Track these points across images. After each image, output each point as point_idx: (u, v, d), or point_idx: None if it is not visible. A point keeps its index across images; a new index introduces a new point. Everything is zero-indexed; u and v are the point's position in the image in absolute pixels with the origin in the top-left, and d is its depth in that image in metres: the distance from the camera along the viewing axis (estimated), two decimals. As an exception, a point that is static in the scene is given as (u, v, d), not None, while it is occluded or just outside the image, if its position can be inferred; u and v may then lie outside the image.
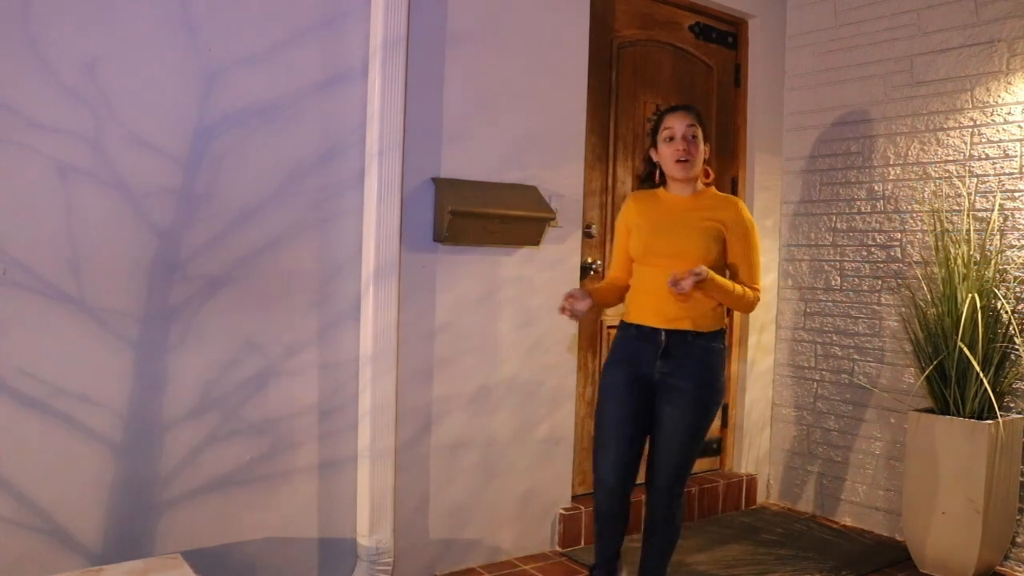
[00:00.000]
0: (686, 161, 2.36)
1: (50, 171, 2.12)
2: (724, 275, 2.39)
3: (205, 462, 2.38)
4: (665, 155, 2.39)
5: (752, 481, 3.85)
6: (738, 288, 2.34)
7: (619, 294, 2.52)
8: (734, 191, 3.87)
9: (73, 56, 2.14)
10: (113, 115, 2.20)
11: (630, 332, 2.42)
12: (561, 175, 3.12)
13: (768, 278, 3.89)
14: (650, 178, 2.51)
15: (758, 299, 2.41)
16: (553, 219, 2.98)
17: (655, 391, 2.36)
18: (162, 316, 2.30)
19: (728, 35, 3.82)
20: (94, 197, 2.18)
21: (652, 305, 2.36)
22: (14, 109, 2.06)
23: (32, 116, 2.08)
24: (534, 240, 2.99)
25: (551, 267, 3.11)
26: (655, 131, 2.44)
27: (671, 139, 2.37)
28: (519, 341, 3.04)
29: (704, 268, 2.22)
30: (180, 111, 2.31)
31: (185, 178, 2.32)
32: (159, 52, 2.27)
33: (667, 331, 2.34)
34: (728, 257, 2.40)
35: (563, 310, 2.28)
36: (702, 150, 2.39)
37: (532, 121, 3.04)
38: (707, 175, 2.46)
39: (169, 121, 2.29)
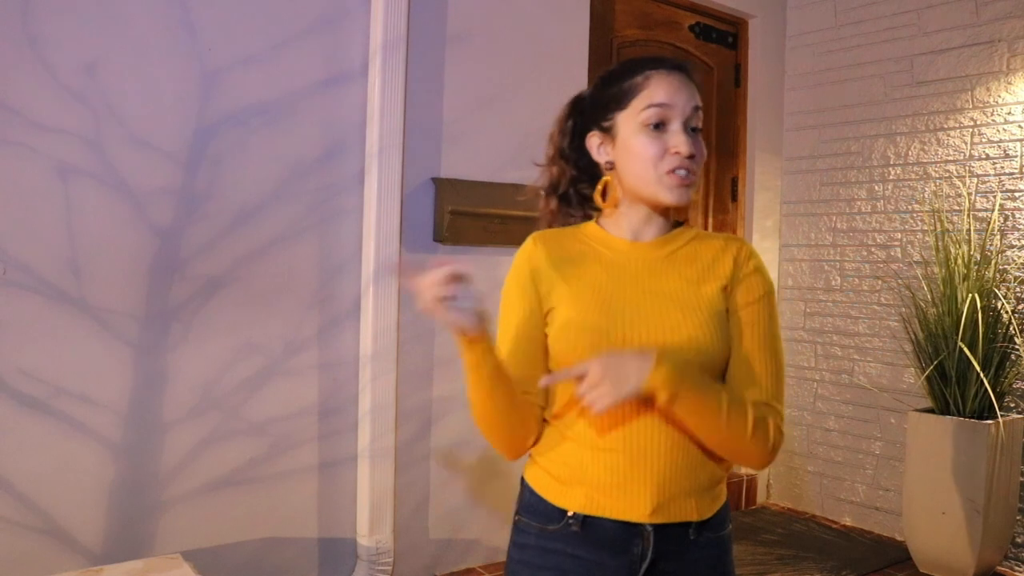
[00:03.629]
0: (691, 176, 1.18)
1: (50, 171, 2.12)
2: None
3: (205, 462, 2.38)
4: (644, 156, 1.17)
5: (752, 481, 3.84)
6: (747, 412, 1.13)
7: (515, 404, 1.21)
8: (734, 191, 3.86)
9: (73, 56, 2.14)
10: (113, 115, 2.19)
11: (563, 529, 1.19)
12: (561, 175, 3.11)
13: (768, 278, 3.88)
14: (568, 199, 1.32)
15: (781, 435, 1.17)
16: (553, 219, 2.98)
17: None
18: (162, 316, 2.30)
19: (728, 35, 3.82)
20: (94, 197, 2.18)
21: (621, 472, 1.15)
22: (14, 109, 2.06)
23: (32, 116, 2.08)
24: (534, 240, 2.98)
25: (551, 267, 3.10)
26: (616, 100, 1.21)
27: (660, 125, 1.17)
28: (519, 341, 3.03)
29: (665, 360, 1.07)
30: (180, 111, 2.30)
31: (185, 178, 2.32)
32: (159, 52, 2.26)
33: (656, 529, 1.15)
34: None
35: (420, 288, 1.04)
36: (705, 153, 1.21)
37: (532, 121, 3.03)
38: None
39: (169, 121, 2.29)
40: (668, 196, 1.18)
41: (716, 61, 3.77)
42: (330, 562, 2.64)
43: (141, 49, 2.23)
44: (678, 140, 1.16)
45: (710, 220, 3.78)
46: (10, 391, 2.08)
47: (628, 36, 3.46)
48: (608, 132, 1.22)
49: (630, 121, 1.19)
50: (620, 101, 1.20)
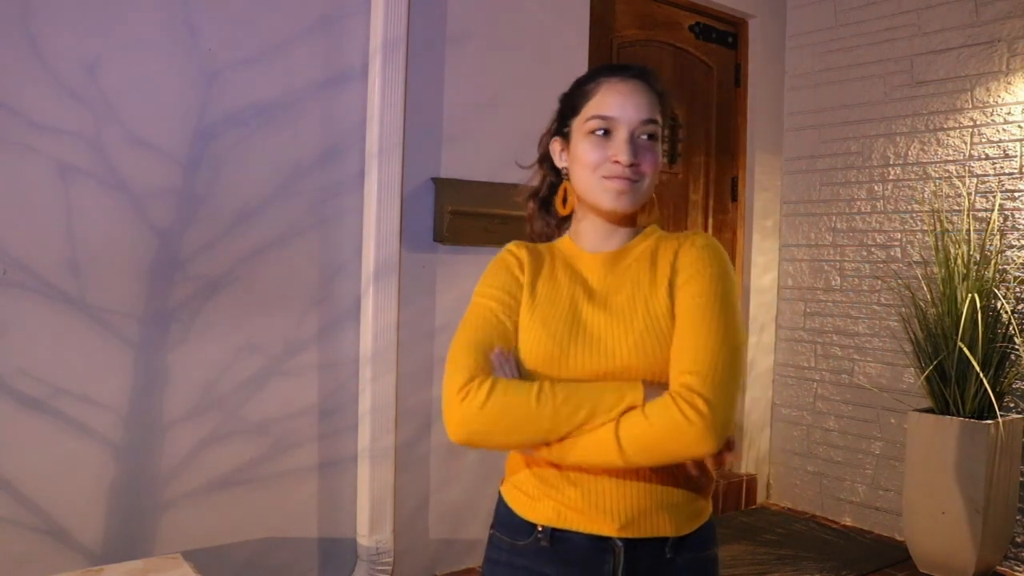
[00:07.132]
0: (631, 183, 1.16)
1: (50, 171, 2.12)
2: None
3: (205, 462, 2.38)
4: (584, 162, 1.18)
5: (752, 481, 3.84)
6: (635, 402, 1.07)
7: None
8: (734, 191, 3.87)
9: (73, 56, 2.14)
10: (113, 115, 2.19)
11: (533, 544, 1.17)
12: (561, 175, 3.12)
13: (768, 278, 3.89)
14: (546, 202, 1.34)
15: (708, 407, 1.03)
16: (553, 219, 2.98)
17: None
18: (162, 316, 2.30)
19: (728, 35, 3.82)
20: (94, 197, 2.18)
21: (588, 485, 1.13)
22: (14, 109, 2.06)
23: (32, 116, 2.08)
24: (534, 240, 2.99)
25: (551, 267, 3.10)
26: (571, 107, 1.24)
27: (604, 133, 1.17)
28: (519, 341, 3.03)
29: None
30: (180, 111, 2.30)
31: (185, 178, 2.32)
32: (159, 52, 2.27)
33: (627, 544, 1.12)
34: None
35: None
36: (659, 163, 1.19)
37: (532, 121, 3.01)
38: (650, 205, 1.24)
39: (169, 121, 2.29)
40: (605, 201, 1.17)
41: (716, 61, 3.77)
42: (330, 562, 2.64)
43: (141, 49, 2.23)
44: (619, 148, 1.15)
45: (710, 220, 3.78)
46: (10, 391, 2.08)
47: (628, 36, 3.46)
48: (566, 138, 1.24)
49: (579, 127, 1.20)
50: (575, 107, 1.22)
